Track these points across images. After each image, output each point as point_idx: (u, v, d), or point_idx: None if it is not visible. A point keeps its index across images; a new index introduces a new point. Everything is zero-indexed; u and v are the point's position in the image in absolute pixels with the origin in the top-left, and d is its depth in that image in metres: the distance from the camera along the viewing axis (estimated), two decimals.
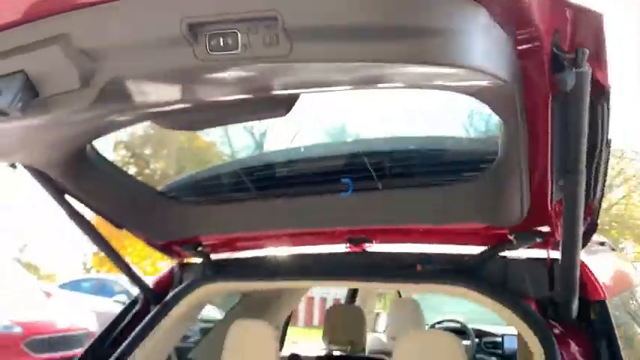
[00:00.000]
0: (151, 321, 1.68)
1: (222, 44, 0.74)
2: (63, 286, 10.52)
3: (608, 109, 0.94)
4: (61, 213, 1.50)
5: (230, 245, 1.79)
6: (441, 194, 1.34)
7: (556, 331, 1.19)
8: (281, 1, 0.70)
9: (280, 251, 1.75)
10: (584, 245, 1.24)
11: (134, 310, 1.74)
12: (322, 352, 2.43)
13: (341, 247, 1.62)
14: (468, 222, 1.34)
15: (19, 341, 5.90)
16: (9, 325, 6.04)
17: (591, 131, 0.91)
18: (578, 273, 1.11)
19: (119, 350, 1.61)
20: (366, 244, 1.57)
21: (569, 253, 1.09)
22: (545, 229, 1.25)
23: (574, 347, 1.16)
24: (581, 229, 1.04)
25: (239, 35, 0.73)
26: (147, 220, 1.67)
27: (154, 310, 1.69)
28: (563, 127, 0.90)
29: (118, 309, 1.85)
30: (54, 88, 0.84)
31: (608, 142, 1.03)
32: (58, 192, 1.42)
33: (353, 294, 3.33)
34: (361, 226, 1.52)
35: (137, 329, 1.66)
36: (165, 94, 0.91)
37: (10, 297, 6.97)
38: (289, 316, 2.77)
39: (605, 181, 1.15)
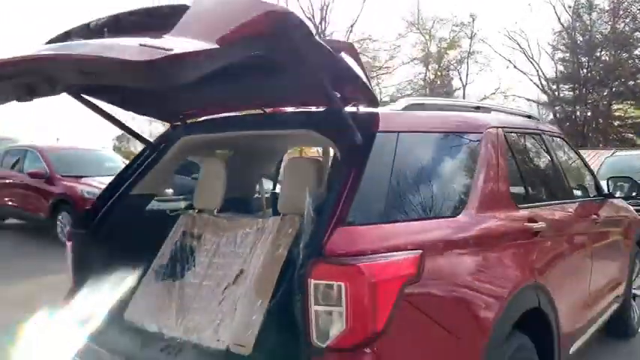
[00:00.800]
0: (151, 161, 2.72)
1: None
2: None
3: None
4: None
5: (198, 114, 2.76)
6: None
7: (350, 153, 2.03)
8: None
9: (226, 115, 2.68)
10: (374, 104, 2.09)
11: (142, 157, 2.78)
12: None
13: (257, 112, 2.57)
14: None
15: None
16: (96, 193, 7.78)
17: None
18: (348, 117, 1.94)
19: (131, 179, 2.68)
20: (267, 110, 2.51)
21: (337, 105, 1.94)
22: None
23: (355, 162, 1.99)
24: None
25: None
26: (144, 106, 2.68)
27: (152, 155, 2.73)
28: None
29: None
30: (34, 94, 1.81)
31: None
32: (76, 94, 2.33)
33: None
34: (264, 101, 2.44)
35: (143, 166, 2.71)
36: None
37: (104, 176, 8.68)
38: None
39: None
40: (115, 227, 2.57)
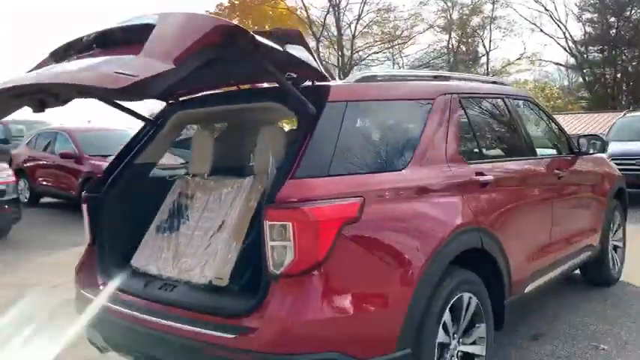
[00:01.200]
0: (151, 135, 3.19)
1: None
2: None
3: None
4: None
5: (189, 93, 3.20)
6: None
7: (305, 121, 2.44)
8: None
9: (211, 93, 3.12)
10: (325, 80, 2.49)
11: (143, 131, 3.24)
12: None
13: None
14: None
15: None
16: None
17: None
18: (297, 94, 2.33)
19: (136, 149, 3.15)
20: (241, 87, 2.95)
21: (286, 86, 2.33)
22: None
23: (308, 127, 2.39)
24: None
25: None
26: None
27: (152, 130, 3.19)
28: None
29: None
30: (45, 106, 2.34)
31: None
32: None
33: None
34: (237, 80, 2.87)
35: (144, 139, 3.18)
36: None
37: None
38: None
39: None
40: (122, 191, 3.05)
